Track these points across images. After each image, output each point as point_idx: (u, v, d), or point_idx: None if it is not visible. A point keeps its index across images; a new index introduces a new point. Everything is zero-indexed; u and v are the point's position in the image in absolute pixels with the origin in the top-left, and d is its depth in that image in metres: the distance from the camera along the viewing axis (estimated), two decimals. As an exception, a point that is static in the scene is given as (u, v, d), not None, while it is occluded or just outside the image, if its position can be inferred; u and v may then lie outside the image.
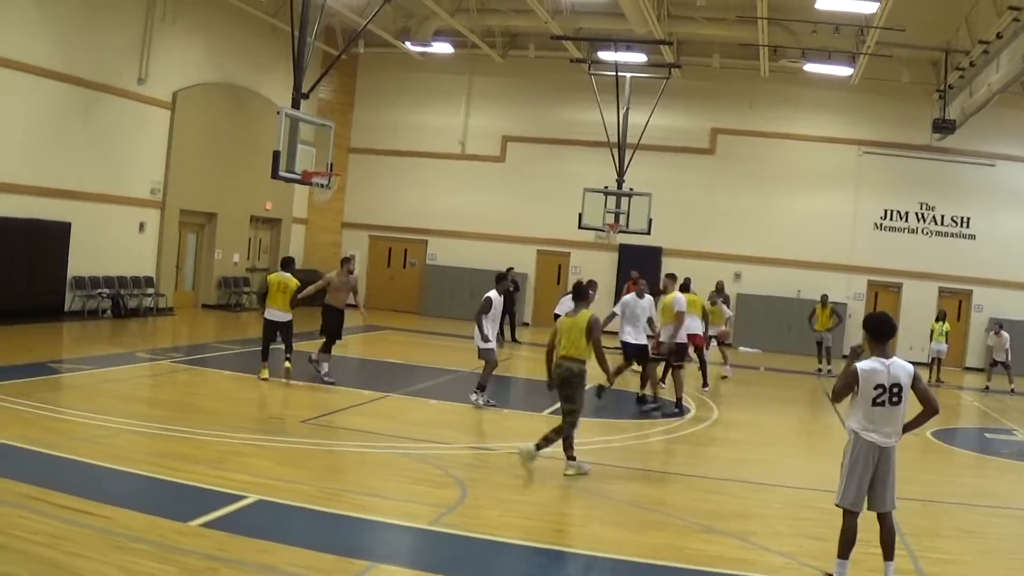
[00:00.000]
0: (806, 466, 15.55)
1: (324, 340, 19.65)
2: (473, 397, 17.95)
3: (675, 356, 19.41)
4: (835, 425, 19.59)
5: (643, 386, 19.66)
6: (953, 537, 11.49)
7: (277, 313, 18.65)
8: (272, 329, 18.78)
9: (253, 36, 33.89)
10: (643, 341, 19.52)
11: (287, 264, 19.28)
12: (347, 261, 20.35)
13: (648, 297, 19.93)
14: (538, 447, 12.80)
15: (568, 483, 12.44)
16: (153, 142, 29.92)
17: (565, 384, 13.06)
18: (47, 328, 24.37)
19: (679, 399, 18.96)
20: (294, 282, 18.69)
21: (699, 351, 22.60)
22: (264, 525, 9.56)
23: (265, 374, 18.60)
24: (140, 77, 28.86)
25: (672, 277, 20.40)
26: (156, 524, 9.11)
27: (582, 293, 13.87)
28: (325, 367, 19.39)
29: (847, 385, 8.76)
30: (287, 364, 18.47)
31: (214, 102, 32.52)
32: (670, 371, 20.17)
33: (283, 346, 18.75)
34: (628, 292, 29.88)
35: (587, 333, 12.88)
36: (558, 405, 17.50)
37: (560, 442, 12.94)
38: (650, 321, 19.68)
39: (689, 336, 20.55)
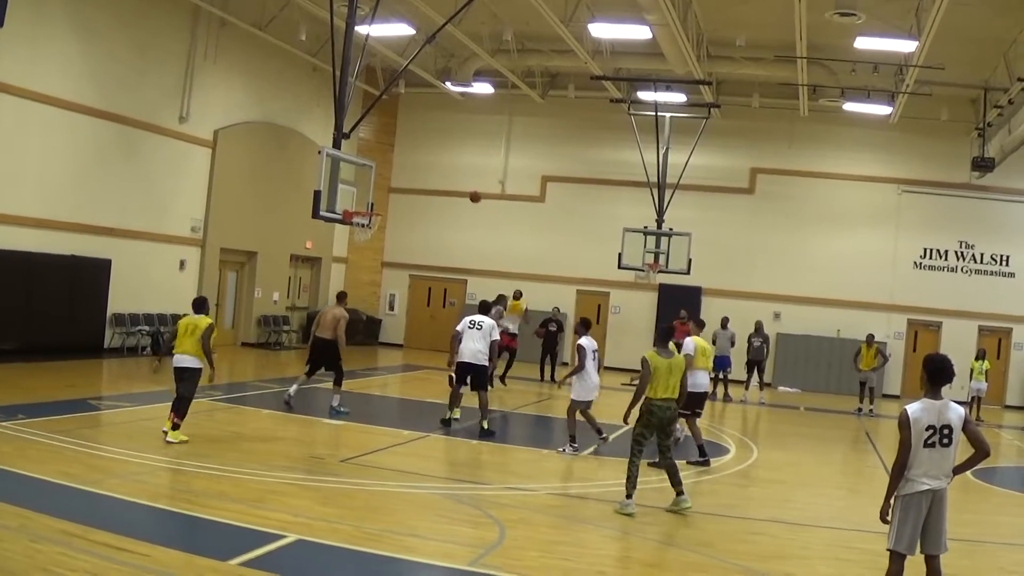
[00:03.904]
0: (847, 506, 15.41)
1: (336, 375, 19.85)
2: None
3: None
4: (877, 465, 19.45)
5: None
6: (997, 579, 11.35)
7: (182, 358, 15.65)
8: (178, 376, 15.74)
9: (294, 75, 34.17)
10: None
11: (200, 305, 16.31)
12: (343, 297, 20.99)
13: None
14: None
15: (608, 524, 12.37)
16: (194, 180, 30.17)
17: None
18: (87, 364, 24.53)
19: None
20: (205, 321, 15.81)
21: None
22: (302, 565, 9.54)
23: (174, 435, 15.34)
24: (182, 116, 29.15)
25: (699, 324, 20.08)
26: (193, 562, 9.11)
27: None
28: (337, 399, 19.72)
29: (903, 429, 8.57)
30: (167, 427, 15.36)
31: (255, 141, 32.77)
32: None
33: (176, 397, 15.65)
34: (679, 332, 29.96)
35: None
36: (596, 446, 17.53)
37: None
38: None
39: None
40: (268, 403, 20.32)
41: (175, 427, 15.29)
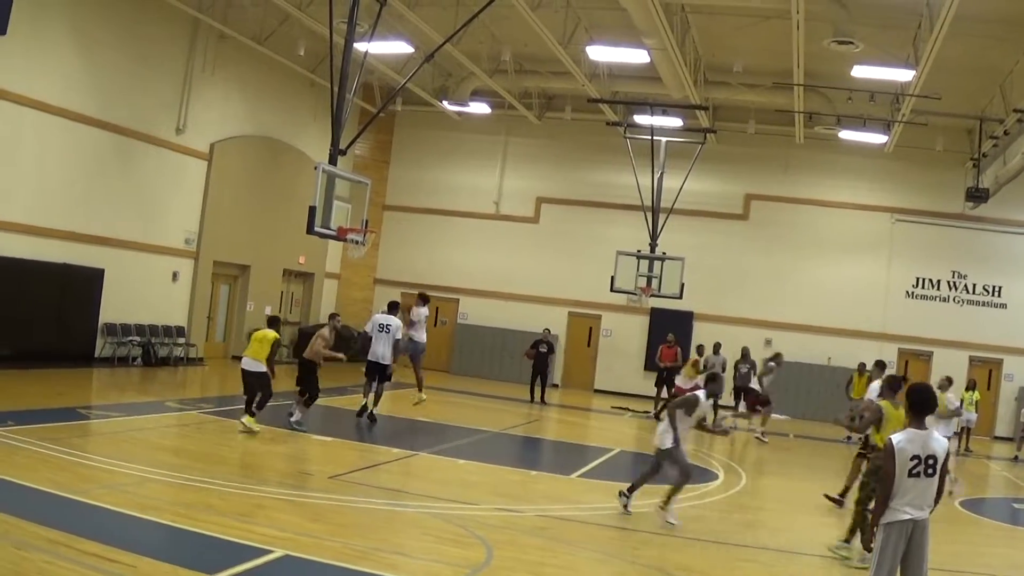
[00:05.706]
0: (834, 534, 15.39)
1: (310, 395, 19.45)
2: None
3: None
4: (865, 495, 19.41)
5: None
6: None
7: (248, 362, 18.17)
8: (245, 379, 18.22)
9: (291, 90, 34.22)
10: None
11: (272, 322, 19.29)
12: (335, 316, 21.23)
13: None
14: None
15: (596, 548, 12.35)
16: (189, 192, 30.14)
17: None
18: (77, 373, 24.49)
19: None
20: (272, 334, 18.26)
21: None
22: (289, 580, 9.53)
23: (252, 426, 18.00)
24: (178, 127, 29.14)
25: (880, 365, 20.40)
26: (180, 575, 9.08)
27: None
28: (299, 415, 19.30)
29: (887, 459, 8.53)
30: (246, 420, 17.99)
31: (251, 155, 32.79)
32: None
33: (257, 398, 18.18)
34: (664, 356, 29.80)
35: None
36: (588, 467, 17.50)
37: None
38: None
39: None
40: (258, 417, 20.24)
41: (252, 414, 18.08)
